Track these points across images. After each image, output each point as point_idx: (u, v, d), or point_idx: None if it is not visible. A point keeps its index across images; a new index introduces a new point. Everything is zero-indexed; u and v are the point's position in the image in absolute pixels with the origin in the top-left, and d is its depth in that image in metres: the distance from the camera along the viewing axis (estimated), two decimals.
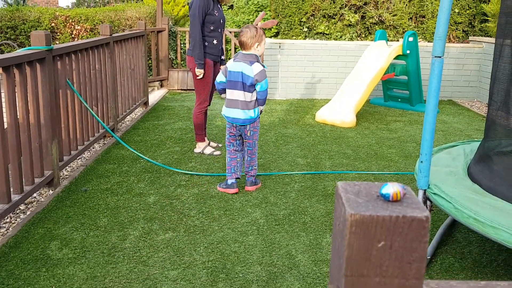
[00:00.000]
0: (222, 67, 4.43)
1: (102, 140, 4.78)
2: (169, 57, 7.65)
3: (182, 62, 7.89)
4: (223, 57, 4.41)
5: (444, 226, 3.02)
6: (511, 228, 2.16)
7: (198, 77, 4.17)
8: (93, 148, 4.55)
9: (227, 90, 3.45)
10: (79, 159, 4.23)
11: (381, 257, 0.56)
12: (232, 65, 3.39)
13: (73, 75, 3.91)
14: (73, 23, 7.27)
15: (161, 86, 7.58)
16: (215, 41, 4.16)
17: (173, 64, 7.82)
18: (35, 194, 3.44)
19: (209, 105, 4.40)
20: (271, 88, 7.02)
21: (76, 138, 3.99)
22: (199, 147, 4.42)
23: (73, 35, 7.29)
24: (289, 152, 4.53)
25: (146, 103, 6.24)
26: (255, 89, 3.38)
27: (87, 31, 7.31)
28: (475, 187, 2.64)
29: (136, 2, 10.26)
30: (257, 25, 3.42)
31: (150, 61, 7.52)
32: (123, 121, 5.51)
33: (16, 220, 3.08)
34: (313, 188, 3.66)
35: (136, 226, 2.99)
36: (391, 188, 0.59)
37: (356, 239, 0.55)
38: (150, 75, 7.43)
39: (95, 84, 4.40)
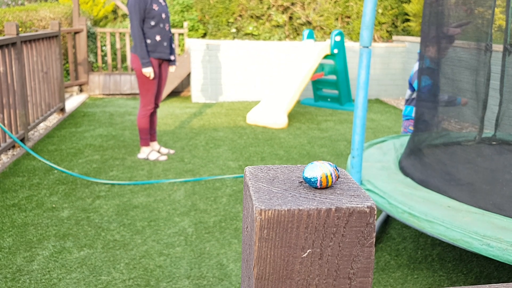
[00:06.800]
0: (172, 67, 4.11)
1: (10, 150, 4.29)
2: (89, 60, 7.16)
3: (103, 65, 7.42)
4: (172, 57, 4.02)
5: (377, 224, 2.95)
6: (446, 221, 2.09)
7: (148, 78, 3.86)
8: (0, 160, 4.06)
9: None
10: None
11: (308, 272, 0.35)
12: None
13: None
14: None
15: (81, 91, 7.07)
16: (157, 38, 3.85)
17: (93, 68, 7.33)
18: None
19: (157, 107, 4.12)
20: (201, 91, 6.77)
21: None
22: (144, 152, 4.13)
23: None
24: (220, 155, 4.32)
25: (62, 110, 5.75)
26: (414, 89, 3.37)
27: None
28: (408, 180, 2.57)
29: (51, 2, 9.58)
30: None
31: (67, 65, 7.00)
32: (35, 129, 5.02)
33: None
34: None
35: (46, 245, 2.63)
36: (319, 170, 0.39)
37: (270, 247, 0.34)
38: (68, 80, 6.91)
39: (0, 89, 3.93)
